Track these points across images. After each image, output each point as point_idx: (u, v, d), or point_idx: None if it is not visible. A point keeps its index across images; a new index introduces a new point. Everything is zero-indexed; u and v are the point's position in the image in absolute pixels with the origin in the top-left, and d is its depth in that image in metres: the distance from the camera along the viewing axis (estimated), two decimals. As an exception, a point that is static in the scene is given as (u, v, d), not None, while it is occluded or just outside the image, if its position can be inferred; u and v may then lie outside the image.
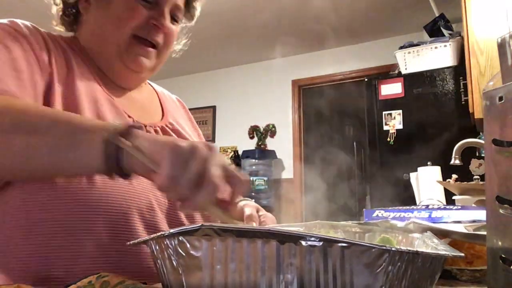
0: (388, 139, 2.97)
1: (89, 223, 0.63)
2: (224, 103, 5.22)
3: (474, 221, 0.74)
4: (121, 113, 0.75)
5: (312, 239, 0.35)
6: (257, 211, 0.82)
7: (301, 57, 4.79)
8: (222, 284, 0.37)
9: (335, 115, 4.55)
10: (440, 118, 2.83)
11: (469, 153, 1.61)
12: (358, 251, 0.34)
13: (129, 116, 0.77)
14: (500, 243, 0.43)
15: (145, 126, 0.78)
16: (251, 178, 4.52)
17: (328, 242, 0.35)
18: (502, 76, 0.50)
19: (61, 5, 0.83)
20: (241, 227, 0.38)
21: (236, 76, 5.18)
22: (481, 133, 2.43)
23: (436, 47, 2.94)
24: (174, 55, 0.91)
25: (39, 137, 0.54)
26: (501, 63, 0.50)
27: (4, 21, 0.72)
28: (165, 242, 0.39)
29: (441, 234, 0.57)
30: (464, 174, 1.79)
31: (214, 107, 5.29)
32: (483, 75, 2.12)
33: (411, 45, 3.07)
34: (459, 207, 0.88)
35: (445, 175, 1.92)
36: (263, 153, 4.67)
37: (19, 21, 0.74)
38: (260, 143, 4.93)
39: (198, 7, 0.91)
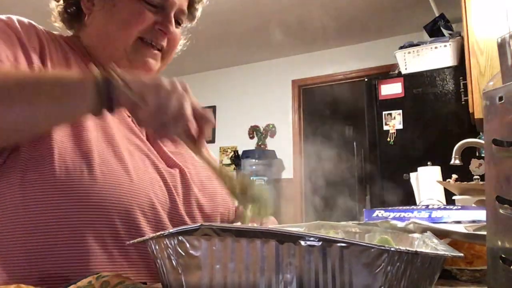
0: (388, 139, 2.97)
1: (91, 221, 0.62)
2: (224, 103, 5.22)
3: (474, 221, 0.74)
4: (121, 113, 0.75)
5: (311, 239, 0.35)
6: None
7: (301, 57, 4.79)
8: (222, 283, 0.37)
9: (335, 115, 4.55)
10: (440, 118, 2.83)
11: (469, 153, 1.61)
12: (357, 251, 0.34)
13: (129, 117, 0.77)
14: (500, 243, 0.43)
15: None
16: (251, 178, 4.52)
17: (327, 242, 0.35)
18: (502, 76, 0.50)
19: (62, 2, 0.83)
20: (241, 227, 0.38)
21: (236, 76, 5.18)
22: (481, 133, 2.43)
23: (436, 47, 2.94)
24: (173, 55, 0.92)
25: (32, 94, 0.57)
26: (501, 63, 0.50)
27: (2, 16, 0.72)
28: (165, 242, 0.39)
29: (441, 234, 0.57)
30: (464, 174, 1.80)
31: (214, 107, 5.29)
32: (483, 75, 2.13)
33: (411, 45, 3.07)
34: (459, 207, 0.88)
35: (445, 175, 1.92)
36: (263, 153, 4.67)
37: (15, 17, 0.73)
38: (260, 143, 4.94)
39: (199, 8, 0.92)
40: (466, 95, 2.62)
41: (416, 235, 0.55)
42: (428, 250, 0.44)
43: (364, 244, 0.35)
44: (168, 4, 0.80)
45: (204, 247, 0.37)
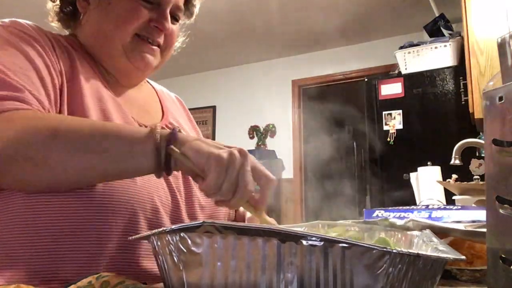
0: (388, 139, 2.97)
1: (94, 225, 0.62)
2: (224, 103, 5.22)
3: (474, 221, 0.74)
4: (124, 111, 0.75)
5: (313, 238, 0.35)
6: None
7: (301, 57, 4.79)
8: (222, 281, 0.37)
9: (335, 115, 4.54)
10: (440, 118, 2.83)
11: (469, 153, 1.61)
12: (359, 252, 0.34)
13: (132, 118, 0.77)
14: (500, 243, 0.43)
15: (146, 127, 0.78)
16: (251, 178, 4.51)
17: (329, 242, 0.35)
18: (502, 76, 0.50)
19: (58, 2, 0.83)
20: (243, 225, 0.38)
21: (236, 76, 5.18)
22: (481, 133, 2.44)
23: (436, 47, 2.94)
24: (173, 52, 0.91)
25: (94, 155, 0.59)
26: (501, 63, 0.50)
27: (6, 21, 0.71)
28: (167, 238, 0.39)
29: (440, 231, 0.57)
30: (464, 174, 1.79)
31: (214, 107, 5.29)
32: (483, 75, 2.13)
33: (411, 45, 3.07)
34: (459, 207, 0.88)
35: (445, 175, 1.92)
36: (263, 153, 4.67)
37: (22, 21, 0.73)
38: (260, 143, 4.94)
39: (197, 4, 0.91)
40: (466, 95, 2.62)
41: (415, 232, 0.55)
42: (429, 252, 0.44)
43: (366, 245, 0.35)
44: (163, 0, 0.80)
45: (206, 244, 0.37)
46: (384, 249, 0.34)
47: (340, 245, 0.34)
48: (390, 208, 0.90)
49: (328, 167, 4.27)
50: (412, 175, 2.04)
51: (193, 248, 0.38)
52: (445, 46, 2.90)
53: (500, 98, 0.44)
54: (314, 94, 4.78)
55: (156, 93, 0.93)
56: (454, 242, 0.60)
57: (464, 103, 2.68)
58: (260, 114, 4.93)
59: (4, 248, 0.62)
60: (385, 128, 3.00)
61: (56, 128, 0.58)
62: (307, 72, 4.72)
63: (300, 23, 3.96)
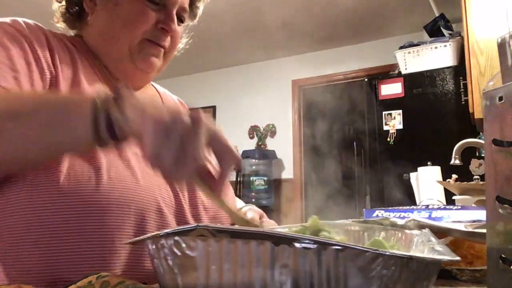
0: (388, 139, 2.97)
1: (99, 227, 0.62)
2: (224, 103, 5.22)
3: (474, 221, 0.74)
4: None
5: (306, 241, 0.35)
6: (261, 217, 0.82)
7: (301, 57, 4.79)
8: (217, 284, 0.37)
9: (335, 115, 4.55)
10: (440, 118, 2.84)
11: (469, 153, 1.61)
12: (352, 254, 0.34)
13: None
14: (500, 243, 0.43)
15: None
16: (251, 178, 4.52)
17: (322, 245, 0.35)
18: (502, 76, 0.50)
19: (64, 3, 0.83)
20: (236, 228, 0.38)
21: (236, 76, 5.18)
22: (481, 133, 2.44)
23: (436, 47, 2.94)
24: (176, 53, 0.92)
25: (26, 122, 0.53)
26: (501, 63, 0.50)
27: (6, 20, 0.71)
28: (161, 242, 0.40)
29: (440, 231, 0.57)
30: (464, 174, 1.79)
31: (214, 107, 5.29)
32: (483, 75, 2.13)
33: (411, 45, 3.08)
34: (459, 207, 0.88)
35: (445, 175, 1.92)
36: (263, 153, 4.67)
37: (21, 19, 0.73)
38: (260, 143, 4.94)
39: (201, 6, 0.92)
40: (466, 95, 2.62)
41: (415, 231, 0.55)
42: (426, 252, 0.44)
43: (359, 247, 0.35)
44: (169, 2, 0.80)
45: (200, 247, 0.37)
46: (377, 252, 0.34)
47: (334, 247, 0.35)
48: (390, 208, 0.90)
49: (328, 167, 4.28)
50: (412, 175, 2.04)
51: (187, 252, 0.38)
52: (445, 46, 2.90)
53: (500, 98, 0.44)
54: (314, 94, 4.79)
55: (160, 96, 0.93)
56: (454, 242, 0.60)
57: (464, 103, 2.68)
58: (260, 114, 4.94)
59: (7, 249, 0.61)
60: (385, 128, 3.00)
61: None
62: (307, 72, 4.73)
63: (300, 23, 3.96)
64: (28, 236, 0.61)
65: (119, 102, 0.51)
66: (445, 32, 3.05)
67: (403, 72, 3.04)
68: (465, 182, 1.56)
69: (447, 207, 0.89)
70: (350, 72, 4.51)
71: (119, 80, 0.81)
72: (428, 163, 2.17)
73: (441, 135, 2.74)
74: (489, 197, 0.44)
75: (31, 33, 0.71)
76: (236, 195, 0.93)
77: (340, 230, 0.62)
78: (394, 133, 2.96)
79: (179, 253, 0.38)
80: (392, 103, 3.02)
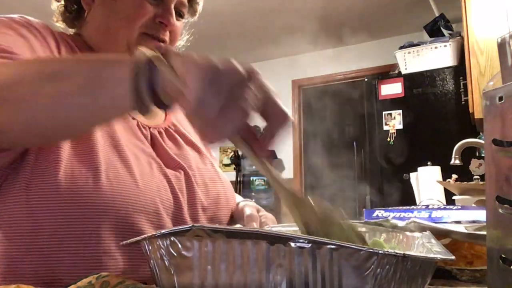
0: (388, 139, 2.97)
1: (97, 228, 0.62)
2: (224, 103, 5.21)
3: (474, 221, 0.74)
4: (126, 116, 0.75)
5: (301, 240, 0.35)
6: (258, 212, 0.82)
7: (301, 57, 4.79)
8: (213, 284, 0.37)
9: (335, 115, 4.55)
10: (440, 118, 2.84)
11: (469, 153, 1.61)
12: (347, 253, 0.35)
13: (133, 118, 0.76)
14: (500, 243, 0.43)
15: (149, 128, 0.78)
16: (251, 178, 4.52)
17: (317, 244, 0.35)
18: (502, 76, 0.50)
19: (63, 1, 0.83)
20: (232, 228, 0.39)
21: (236, 76, 5.17)
22: (481, 133, 2.44)
23: (436, 47, 2.94)
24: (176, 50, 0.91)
25: (62, 82, 0.49)
26: (501, 63, 0.50)
27: (14, 15, 0.71)
28: (158, 243, 0.40)
29: (441, 234, 0.57)
30: (464, 174, 1.80)
31: (214, 107, 5.28)
32: (483, 75, 2.13)
33: (411, 45, 3.08)
34: (459, 207, 0.88)
35: (445, 175, 1.92)
36: (263, 153, 4.66)
37: (29, 17, 0.73)
38: (260, 143, 4.93)
39: (200, 2, 0.91)
40: (466, 95, 2.62)
41: (417, 234, 0.55)
42: (418, 253, 0.44)
43: (354, 246, 0.35)
44: None
45: (196, 248, 0.37)
46: (371, 250, 0.34)
47: (328, 246, 0.35)
48: (390, 208, 0.90)
49: (328, 167, 4.28)
50: (412, 175, 2.04)
51: (183, 252, 0.38)
52: (445, 46, 2.90)
53: (500, 98, 0.44)
54: (314, 94, 4.79)
55: None
56: (454, 242, 0.60)
57: (464, 103, 2.68)
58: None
59: (6, 254, 0.61)
60: (385, 128, 3.00)
61: (25, 63, 0.56)
62: (307, 72, 4.72)
63: (300, 23, 3.96)
64: (26, 241, 0.61)
65: (165, 55, 0.46)
66: (445, 32, 3.05)
67: (403, 72, 3.04)
68: (465, 182, 1.56)
69: (447, 207, 0.89)
70: (350, 72, 4.51)
71: None
72: (428, 163, 2.17)
73: (441, 135, 2.74)
74: (489, 197, 0.44)
75: (42, 29, 0.72)
76: (236, 195, 0.92)
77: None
78: (394, 133, 2.96)
79: (175, 254, 0.38)
80: (392, 103, 3.02)
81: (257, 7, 3.70)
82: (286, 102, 4.82)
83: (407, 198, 2.31)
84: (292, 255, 0.35)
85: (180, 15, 0.84)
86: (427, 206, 0.92)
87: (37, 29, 0.71)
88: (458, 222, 0.76)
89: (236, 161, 4.77)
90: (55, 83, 0.50)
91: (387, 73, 3.27)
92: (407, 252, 0.35)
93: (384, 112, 3.03)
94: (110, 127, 0.70)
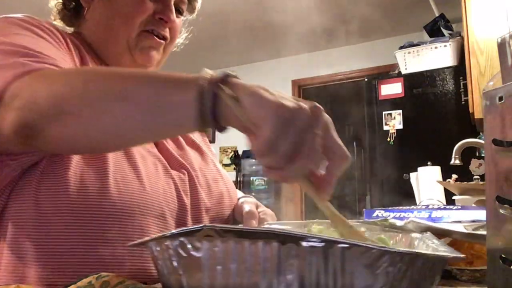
0: (388, 139, 2.97)
1: (104, 232, 0.62)
2: (224, 103, 5.21)
3: (474, 221, 0.74)
4: None
5: (313, 240, 0.35)
6: (257, 208, 0.82)
7: (301, 57, 4.78)
8: (223, 285, 0.37)
9: (335, 115, 4.54)
10: (440, 118, 2.83)
11: (469, 153, 1.61)
12: (359, 252, 0.34)
13: None
14: (500, 243, 0.43)
15: None
16: (251, 178, 4.52)
17: (329, 243, 0.35)
18: (502, 76, 0.50)
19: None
20: (243, 228, 0.38)
21: (236, 76, 5.17)
22: (481, 133, 2.44)
23: (436, 47, 2.94)
24: (175, 48, 0.91)
25: (129, 102, 0.50)
26: (501, 63, 0.50)
27: (20, 15, 0.70)
28: (166, 243, 0.39)
29: (440, 233, 0.57)
30: (464, 174, 1.79)
31: (214, 107, 5.28)
32: (483, 75, 2.13)
33: (411, 45, 3.07)
34: (459, 207, 0.88)
35: (445, 175, 1.92)
36: (263, 153, 4.66)
37: (35, 17, 0.72)
38: (260, 143, 4.93)
39: (199, 0, 0.91)
40: (466, 95, 2.62)
41: (416, 234, 0.55)
42: (429, 252, 0.44)
43: (366, 245, 0.35)
44: None
45: (205, 248, 0.37)
46: (384, 249, 0.34)
47: (340, 245, 0.34)
48: (390, 208, 0.90)
49: (328, 167, 4.27)
50: (412, 175, 2.04)
51: (192, 253, 0.37)
52: (445, 46, 2.90)
53: (500, 98, 0.44)
54: (314, 94, 4.78)
55: None
56: (454, 242, 0.60)
57: (464, 103, 2.68)
58: (260, 114, 4.92)
59: (15, 255, 0.61)
60: (385, 128, 3.00)
61: (88, 78, 0.54)
62: (307, 72, 4.72)
63: (300, 23, 3.96)
64: (35, 243, 0.60)
65: (230, 85, 0.46)
66: (445, 32, 3.05)
67: (403, 72, 3.04)
68: (465, 182, 1.56)
69: (447, 207, 0.89)
70: (350, 72, 4.51)
71: None
72: (428, 163, 2.17)
73: (441, 135, 2.74)
74: (489, 197, 0.44)
75: (56, 31, 0.72)
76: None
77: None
78: (394, 133, 2.96)
79: (184, 254, 0.38)
80: (392, 103, 3.02)
81: (257, 7, 3.70)
82: (286, 102, 4.82)
83: (407, 198, 2.31)
84: (303, 255, 0.35)
85: (179, 12, 0.84)
86: (427, 206, 0.92)
87: (50, 30, 0.70)
88: (458, 222, 0.76)
89: (236, 161, 4.77)
90: (121, 103, 0.50)
91: (387, 73, 3.27)
92: (420, 251, 0.35)
93: (384, 112, 3.02)
94: None
